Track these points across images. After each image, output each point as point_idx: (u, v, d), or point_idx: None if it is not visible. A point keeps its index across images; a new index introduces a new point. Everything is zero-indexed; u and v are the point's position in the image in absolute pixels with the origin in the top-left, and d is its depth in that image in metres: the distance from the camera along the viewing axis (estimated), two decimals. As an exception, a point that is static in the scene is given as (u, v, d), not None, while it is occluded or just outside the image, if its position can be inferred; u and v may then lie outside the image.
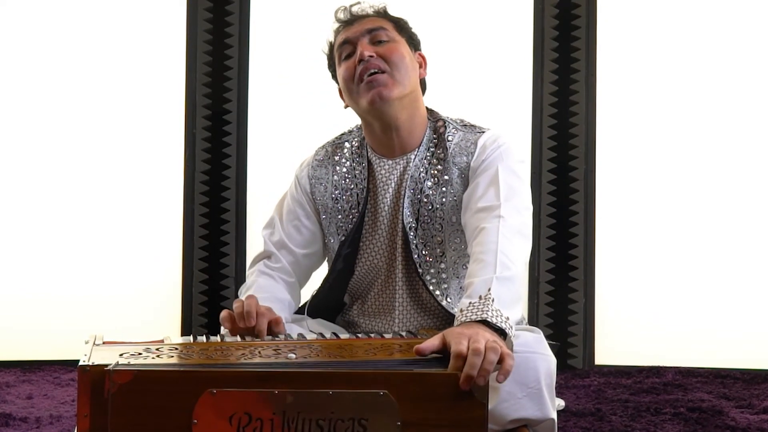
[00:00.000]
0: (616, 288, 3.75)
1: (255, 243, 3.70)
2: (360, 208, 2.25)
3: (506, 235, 2.01)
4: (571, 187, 3.72)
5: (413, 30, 2.33)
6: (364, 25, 2.25)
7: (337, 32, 2.31)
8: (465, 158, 2.20)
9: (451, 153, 2.21)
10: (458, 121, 2.29)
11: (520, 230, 2.06)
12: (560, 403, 2.89)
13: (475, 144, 2.21)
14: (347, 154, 2.31)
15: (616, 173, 3.76)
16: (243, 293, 2.29)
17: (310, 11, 3.75)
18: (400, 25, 2.29)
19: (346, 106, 2.33)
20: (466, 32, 3.76)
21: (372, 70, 2.18)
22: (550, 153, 3.72)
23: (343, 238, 2.27)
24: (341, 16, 2.31)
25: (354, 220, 2.26)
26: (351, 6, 2.31)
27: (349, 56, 2.23)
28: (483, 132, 2.24)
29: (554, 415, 1.99)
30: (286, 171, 3.83)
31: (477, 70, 3.75)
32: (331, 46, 2.33)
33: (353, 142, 2.33)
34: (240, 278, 3.71)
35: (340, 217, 2.28)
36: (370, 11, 2.29)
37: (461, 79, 3.72)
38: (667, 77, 3.75)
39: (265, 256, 2.35)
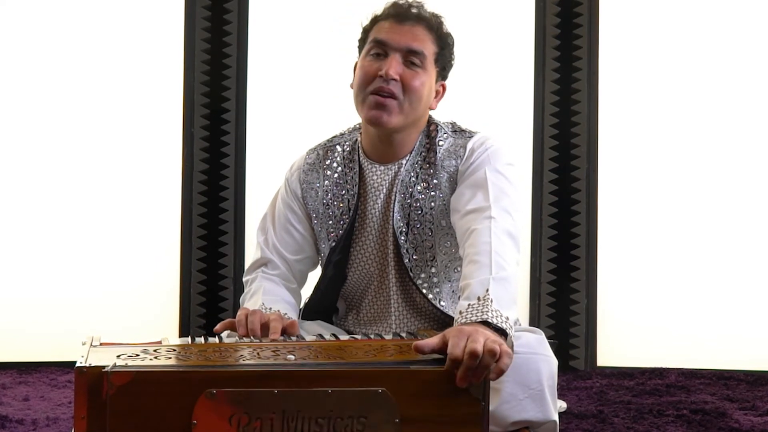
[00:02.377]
0: (619, 288, 3.74)
1: (254, 243, 3.67)
2: (350, 214, 2.23)
3: (498, 236, 1.99)
4: (573, 186, 3.71)
5: (453, 56, 2.26)
6: (409, 40, 2.16)
7: (385, 16, 2.21)
8: (454, 162, 2.18)
9: (440, 157, 2.19)
10: (449, 126, 2.27)
11: (511, 232, 2.04)
12: (562, 404, 2.88)
13: (465, 148, 2.18)
14: (338, 159, 2.29)
15: (618, 173, 3.74)
16: (247, 299, 2.26)
17: (308, 10, 3.74)
18: (442, 54, 2.22)
19: (351, 86, 2.25)
20: (468, 32, 3.73)
21: (384, 94, 2.13)
22: (552, 152, 3.71)
23: (333, 244, 2.25)
24: (401, 5, 2.21)
25: (344, 226, 2.24)
26: (411, 3, 2.22)
27: (377, 56, 2.17)
28: (472, 136, 2.22)
29: (556, 417, 1.97)
30: (284, 170, 3.83)
31: (478, 70, 3.73)
32: (375, 20, 2.22)
33: (345, 146, 2.30)
34: (239, 278, 3.69)
35: (330, 222, 2.26)
36: (427, 19, 2.20)
37: (462, 79, 3.68)
38: (670, 76, 3.74)
39: (263, 263, 2.33)
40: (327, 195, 2.26)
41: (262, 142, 3.74)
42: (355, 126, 2.33)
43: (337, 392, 1.60)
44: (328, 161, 2.29)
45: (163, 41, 3.71)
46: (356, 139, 2.29)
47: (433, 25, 2.21)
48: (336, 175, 2.27)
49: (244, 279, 2.37)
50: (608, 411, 2.92)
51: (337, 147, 2.31)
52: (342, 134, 2.34)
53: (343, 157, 2.28)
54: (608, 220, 3.74)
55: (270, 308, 2.15)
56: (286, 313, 2.16)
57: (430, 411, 1.63)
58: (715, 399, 3.12)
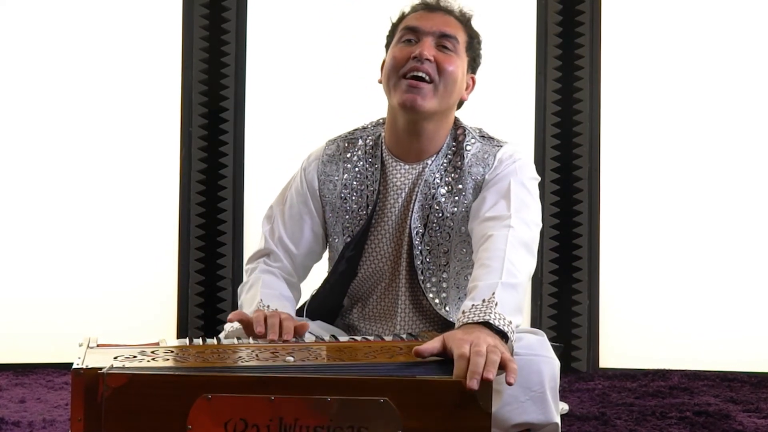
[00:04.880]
0: (621, 289, 3.72)
1: (252, 244, 3.65)
2: (368, 210, 2.21)
3: (514, 245, 1.99)
4: (575, 186, 3.69)
5: (480, 51, 2.28)
6: (441, 25, 2.17)
7: (414, 10, 2.22)
8: (481, 169, 2.17)
9: (468, 163, 2.18)
10: (477, 131, 2.26)
11: (528, 244, 2.04)
12: (564, 406, 2.88)
13: (494, 157, 2.18)
14: (360, 153, 2.25)
15: (620, 173, 3.73)
16: (245, 290, 2.24)
17: (307, 9, 3.72)
18: (472, 44, 2.23)
19: (380, 81, 2.24)
20: (468, 30, 3.73)
21: (420, 74, 2.11)
22: (553, 152, 3.69)
23: (348, 239, 2.22)
24: (428, 2, 2.22)
25: (361, 222, 2.21)
26: None
27: (408, 42, 2.16)
28: (501, 146, 2.22)
29: (558, 419, 1.96)
30: (283, 170, 3.78)
31: (480, 69, 3.70)
32: (402, 18, 2.24)
33: (367, 141, 2.26)
34: (237, 279, 3.68)
35: (347, 217, 2.23)
36: (457, 12, 2.22)
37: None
38: (673, 75, 3.73)
39: (265, 253, 2.30)
40: (345, 189, 2.23)
41: (261, 142, 3.73)
42: (378, 120, 2.30)
43: (338, 401, 1.56)
44: (349, 154, 2.26)
45: (161, 40, 3.69)
46: (380, 134, 2.26)
47: (463, 18, 2.23)
48: (356, 169, 2.24)
49: (245, 267, 2.34)
50: (611, 413, 2.90)
51: (359, 140, 2.27)
52: (365, 128, 2.31)
53: (365, 152, 2.25)
54: (610, 220, 3.72)
55: (268, 305, 2.12)
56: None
57: (435, 423, 1.58)
58: (718, 401, 3.11)
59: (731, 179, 3.71)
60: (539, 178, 2.22)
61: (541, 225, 2.14)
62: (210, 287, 3.70)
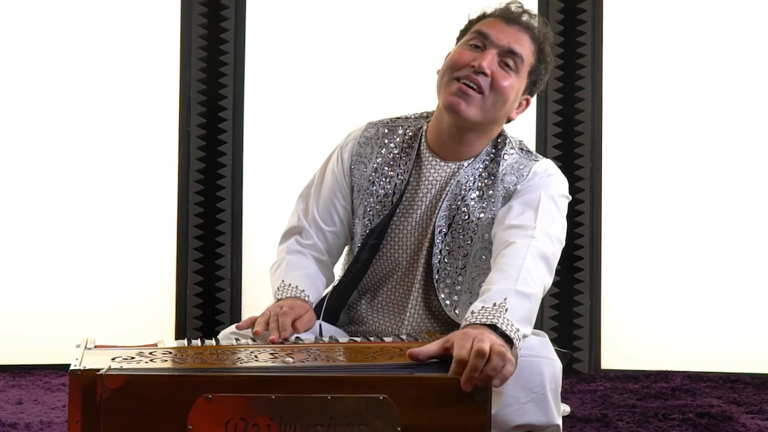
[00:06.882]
0: (623, 290, 3.71)
1: (252, 243, 3.66)
2: (394, 198, 2.22)
3: (534, 255, 2.00)
4: (577, 186, 3.67)
5: (546, 76, 2.24)
6: (511, 41, 2.14)
7: (495, 15, 2.20)
8: (515, 179, 2.19)
9: (503, 171, 2.19)
10: (518, 143, 2.27)
11: (548, 258, 2.05)
12: (565, 408, 2.87)
13: (529, 169, 2.19)
14: (398, 141, 2.27)
15: (622, 172, 3.72)
16: (272, 272, 2.27)
17: (307, 8, 3.71)
18: (537, 68, 2.20)
19: (439, 72, 2.23)
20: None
21: (471, 84, 2.11)
22: (555, 151, 3.68)
23: (368, 222, 2.23)
24: (512, 9, 2.19)
25: (385, 210, 2.22)
26: (525, 11, 2.19)
27: (474, 47, 2.15)
28: (538, 160, 2.23)
29: (559, 421, 1.95)
30: (283, 170, 3.77)
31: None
32: (483, 15, 2.21)
33: (407, 131, 2.28)
34: (236, 280, 3.67)
35: (371, 200, 2.24)
36: (535, 31, 2.18)
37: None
38: (675, 73, 3.72)
39: (297, 231, 2.31)
40: (375, 172, 2.25)
41: (260, 142, 3.71)
42: (422, 113, 2.31)
43: (337, 399, 1.57)
44: (387, 140, 2.28)
45: (159, 39, 3.68)
46: (421, 127, 2.27)
47: (539, 39, 2.19)
48: (391, 155, 2.25)
49: (278, 247, 2.35)
50: (612, 415, 2.90)
51: (399, 129, 2.29)
52: (407, 117, 2.32)
53: (404, 140, 2.26)
54: (612, 219, 3.71)
55: (290, 284, 2.16)
56: (303, 290, 2.15)
57: (433, 419, 1.59)
58: (721, 402, 3.10)
59: (734, 180, 3.69)
60: (570, 198, 2.22)
61: (564, 243, 2.14)
62: (208, 288, 3.69)
